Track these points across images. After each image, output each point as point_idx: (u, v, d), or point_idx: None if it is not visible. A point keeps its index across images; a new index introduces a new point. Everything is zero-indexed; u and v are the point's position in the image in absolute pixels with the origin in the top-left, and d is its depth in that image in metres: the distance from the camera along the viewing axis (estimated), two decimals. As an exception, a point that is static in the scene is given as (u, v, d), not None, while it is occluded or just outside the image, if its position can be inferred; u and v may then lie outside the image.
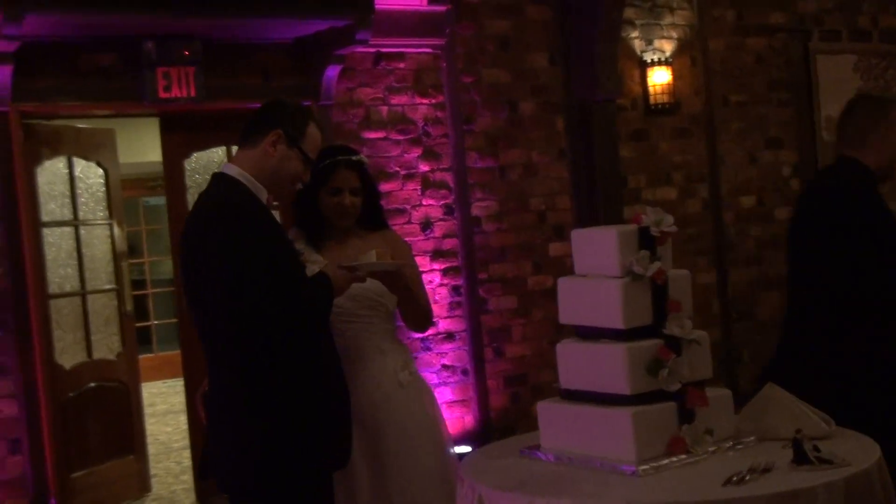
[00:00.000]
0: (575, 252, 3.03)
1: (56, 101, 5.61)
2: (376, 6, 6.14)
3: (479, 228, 6.73)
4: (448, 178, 6.65)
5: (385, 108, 6.47)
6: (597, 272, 2.93)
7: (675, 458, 2.79)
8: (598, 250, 2.91)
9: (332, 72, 6.12)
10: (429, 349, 6.54)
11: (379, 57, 6.45)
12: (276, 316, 3.03)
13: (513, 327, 6.84)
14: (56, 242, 6.01)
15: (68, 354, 5.99)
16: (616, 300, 2.83)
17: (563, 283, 3.03)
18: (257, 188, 3.26)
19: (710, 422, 2.88)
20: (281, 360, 3.10)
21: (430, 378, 6.51)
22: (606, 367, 2.84)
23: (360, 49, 6.20)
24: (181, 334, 6.47)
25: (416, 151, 6.56)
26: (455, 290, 6.66)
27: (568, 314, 3.00)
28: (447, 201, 6.65)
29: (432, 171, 6.60)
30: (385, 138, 6.47)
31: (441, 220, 6.62)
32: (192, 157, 6.31)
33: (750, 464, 2.69)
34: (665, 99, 7.31)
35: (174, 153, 6.13)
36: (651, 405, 2.81)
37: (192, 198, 6.24)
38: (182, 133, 6.11)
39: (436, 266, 6.60)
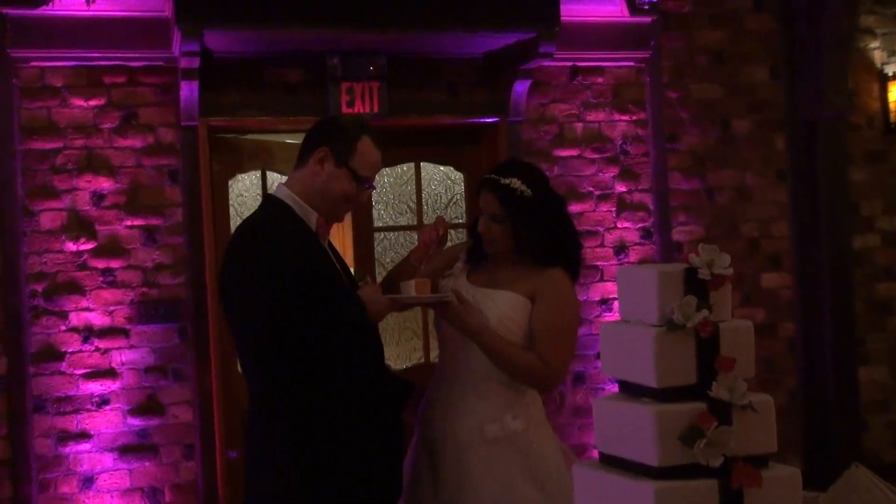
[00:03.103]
0: (619, 293, 2.60)
1: (242, 116, 5.67)
2: (574, 19, 5.85)
3: (681, 255, 6.15)
4: (647, 199, 6.18)
5: (580, 125, 6.11)
6: (637, 318, 2.49)
7: (708, 548, 2.32)
8: (639, 293, 2.48)
9: (521, 87, 5.84)
10: (618, 381, 6.10)
11: (575, 71, 6.10)
12: (292, 336, 2.85)
13: (716, 363, 6.24)
14: (247, 254, 6.09)
15: (252, 364, 6.05)
16: (648, 353, 2.39)
17: (605, 329, 2.61)
18: (305, 210, 3.10)
19: (764, 507, 2.38)
20: (309, 384, 2.91)
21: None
22: (636, 431, 2.40)
23: (554, 63, 5.90)
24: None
25: (613, 171, 6.14)
26: (651, 319, 6.17)
27: (609, 365, 2.58)
28: (645, 224, 6.18)
29: (629, 191, 6.16)
30: (579, 156, 6.10)
31: (637, 244, 6.16)
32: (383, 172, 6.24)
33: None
34: (909, 117, 6.47)
35: (361, 169, 6.05)
36: (684, 481, 2.35)
37: (377, 214, 6.17)
38: (368, 149, 6.02)
39: (629, 293, 6.15)
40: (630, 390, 2.51)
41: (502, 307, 3.32)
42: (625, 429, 2.44)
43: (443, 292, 3.29)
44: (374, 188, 3.31)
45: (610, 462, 2.52)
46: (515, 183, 3.33)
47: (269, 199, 3.19)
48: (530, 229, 3.32)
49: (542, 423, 3.43)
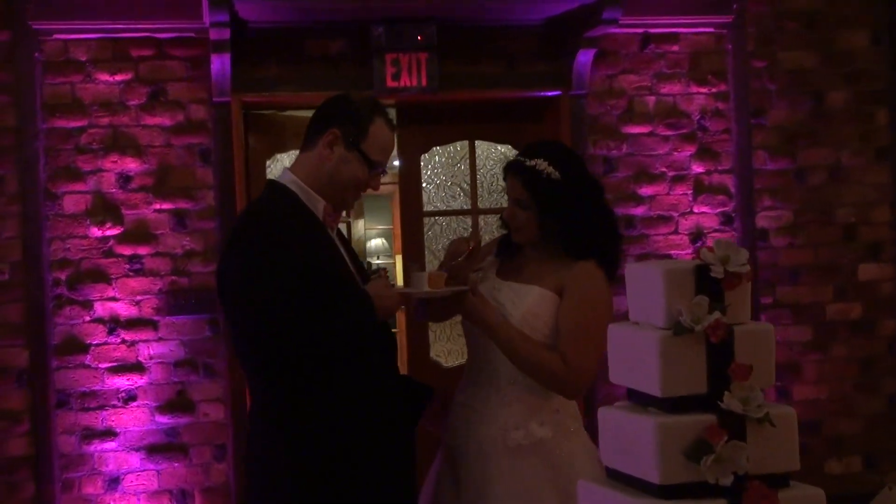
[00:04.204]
0: (628, 292, 2.56)
1: (279, 91, 5.71)
2: (646, -20, 5.77)
3: (766, 243, 6.10)
4: (728, 181, 6.08)
5: (652, 99, 6.02)
6: (644, 320, 2.45)
7: (714, 576, 2.28)
8: (646, 292, 2.44)
9: (585, 57, 5.77)
10: (693, 383, 6.02)
11: (647, 39, 6.01)
12: (291, 334, 2.86)
13: (805, 364, 6.14)
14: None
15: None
16: (653, 359, 2.35)
17: (612, 332, 2.57)
18: (311, 197, 3.11)
19: (781, 531, 2.33)
20: (313, 389, 2.93)
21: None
22: (638, 444, 2.37)
23: (622, 30, 5.84)
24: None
25: (689, 149, 6.05)
26: (731, 315, 6.08)
27: (616, 371, 2.55)
28: (725, 209, 6.07)
29: (708, 172, 6.06)
30: (651, 134, 6.02)
31: (717, 230, 6.06)
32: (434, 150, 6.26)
33: None
34: None
35: (409, 147, 6.07)
36: (689, 500, 2.31)
37: (427, 197, 6.17)
38: (416, 126, 6.04)
39: (707, 285, 6.05)
40: (636, 399, 2.48)
41: (528, 302, 3.29)
42: (628, 441, 2.41)
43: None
44: (387, 173, 3.31)
45: (615, 477, 2.49)
46: (541, 165, 3.29)
47: (272, 185, 3.19)
48: (558, 216, 3.28)
49: (575, 431, 3.38)
